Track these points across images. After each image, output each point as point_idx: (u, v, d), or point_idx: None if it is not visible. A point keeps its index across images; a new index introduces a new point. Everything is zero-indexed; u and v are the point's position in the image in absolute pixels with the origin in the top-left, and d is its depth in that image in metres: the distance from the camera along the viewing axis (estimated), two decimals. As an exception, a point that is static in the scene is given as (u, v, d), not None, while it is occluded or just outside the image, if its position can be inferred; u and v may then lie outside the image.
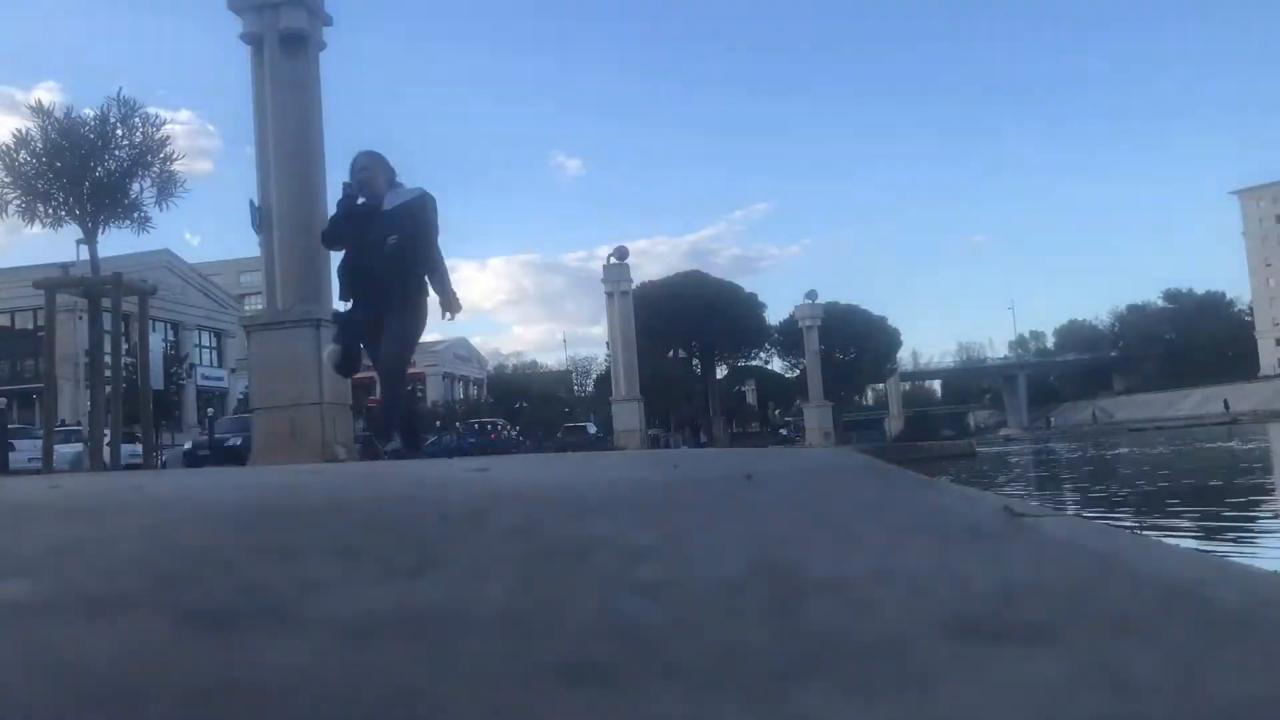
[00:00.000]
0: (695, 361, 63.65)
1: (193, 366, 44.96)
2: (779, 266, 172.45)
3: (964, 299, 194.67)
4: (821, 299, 51.13)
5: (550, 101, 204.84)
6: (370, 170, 6.82)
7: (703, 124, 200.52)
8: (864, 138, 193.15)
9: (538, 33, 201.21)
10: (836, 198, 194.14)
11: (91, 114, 14.20)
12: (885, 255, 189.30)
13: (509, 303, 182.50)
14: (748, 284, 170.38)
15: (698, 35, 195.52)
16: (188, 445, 26.72)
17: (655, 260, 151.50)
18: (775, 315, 65.54)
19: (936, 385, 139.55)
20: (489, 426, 45.04)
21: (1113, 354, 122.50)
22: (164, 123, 14.44)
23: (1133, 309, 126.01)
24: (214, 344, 52.32)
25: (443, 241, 7.02)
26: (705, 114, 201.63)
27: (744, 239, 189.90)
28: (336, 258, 7.42)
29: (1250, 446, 23.25)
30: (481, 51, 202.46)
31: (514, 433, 43.68)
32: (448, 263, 7.16)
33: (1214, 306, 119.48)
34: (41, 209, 13.90)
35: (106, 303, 12.48)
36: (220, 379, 51.18)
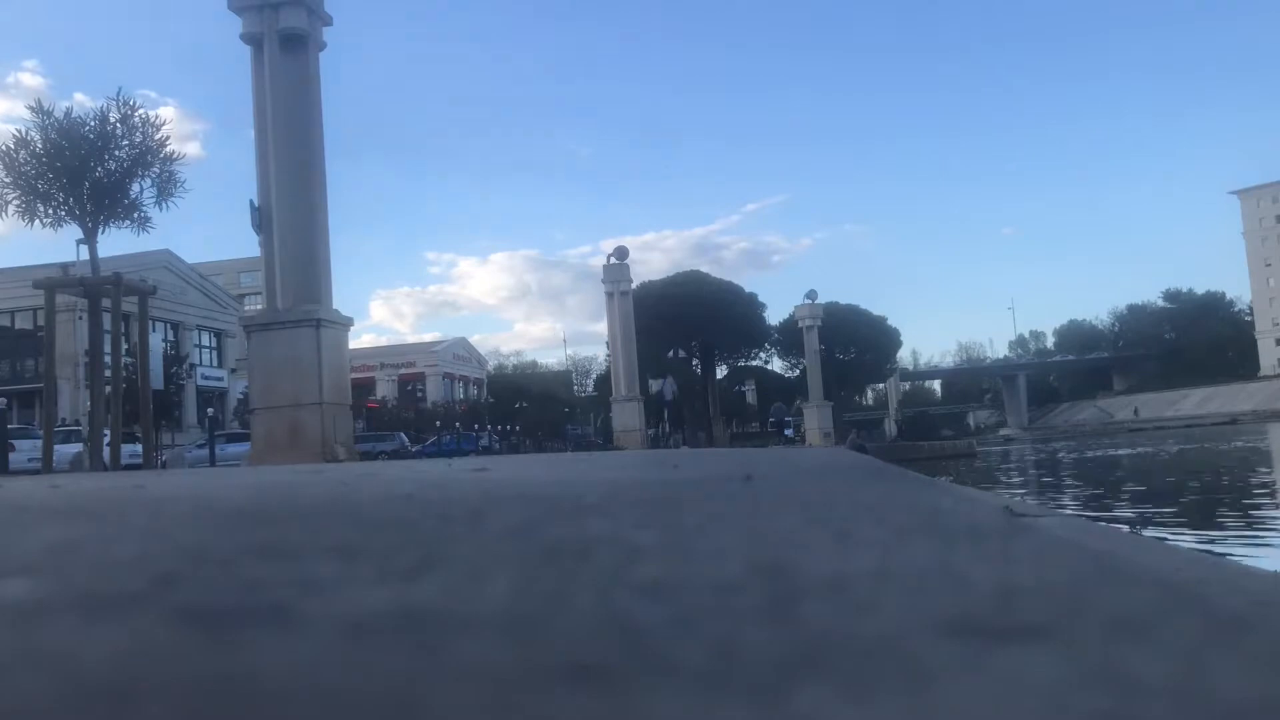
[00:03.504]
0: (695, 361, 63.61)
1: (193, 366, 44.87)
2: (789, 262, 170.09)
3: (965, 299, 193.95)
4: (824, 298, 50.99)
5: (558, 92, 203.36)
6: None
7: (708, 119, 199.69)
8: (871, 134, 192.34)
9: (539, 26, 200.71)
10: (851, 192, 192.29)
11: (92, 111, 14.19)
12: (898, 251, 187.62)
13: (511, 299, 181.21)
14: (757, 279, 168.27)
15: (705, 26, 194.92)
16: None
17: (662, 254, 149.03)
18: (777, 315, 65.55)
19: (936, 385, 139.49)
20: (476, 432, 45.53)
21: (1112, 354, 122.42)
22: (164, 122, 14.41)
23: (1133, 309, 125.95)
24: (214, 344, 52.31)
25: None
26: (710, 110, 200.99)
27: (754, 232, 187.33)
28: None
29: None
30: (484, 44, 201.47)
31: (501, 437, 43.71)
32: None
33: (1214, 306, 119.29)
34: (41, 209, 13.89)
35: (107, 303, 12.47)
36: (220, 379, 51.14)
